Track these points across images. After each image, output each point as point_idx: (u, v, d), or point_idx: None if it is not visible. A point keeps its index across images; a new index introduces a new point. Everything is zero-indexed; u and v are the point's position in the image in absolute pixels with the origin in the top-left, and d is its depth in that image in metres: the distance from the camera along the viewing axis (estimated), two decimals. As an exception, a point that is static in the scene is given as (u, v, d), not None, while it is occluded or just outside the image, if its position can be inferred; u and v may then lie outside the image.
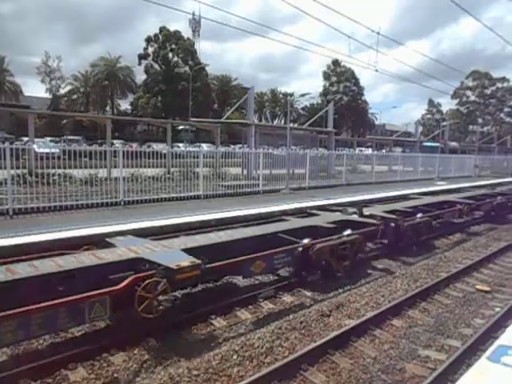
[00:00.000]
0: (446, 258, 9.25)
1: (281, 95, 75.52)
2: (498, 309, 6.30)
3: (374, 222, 8.84)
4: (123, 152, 10.60)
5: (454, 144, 45.85)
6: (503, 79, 72.31)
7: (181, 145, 28.18)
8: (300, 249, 6.92)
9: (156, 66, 52.52)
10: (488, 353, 2.46)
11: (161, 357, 4.67)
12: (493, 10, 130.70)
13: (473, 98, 74.82)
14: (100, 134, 35.09)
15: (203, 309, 5.89)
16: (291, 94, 67.08)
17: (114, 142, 22.90)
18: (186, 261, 5.07)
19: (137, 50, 53.70)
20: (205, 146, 26.06)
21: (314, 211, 10.05)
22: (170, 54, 52.15)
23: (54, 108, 50.48)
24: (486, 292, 7.14)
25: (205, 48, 62.33)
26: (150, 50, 52.57)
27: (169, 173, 13.27)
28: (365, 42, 18.81)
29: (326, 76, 67.53)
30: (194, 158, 13.72)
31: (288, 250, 6.74)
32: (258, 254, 6.16)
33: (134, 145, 23.82)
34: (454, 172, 26.80)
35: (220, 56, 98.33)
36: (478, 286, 7.39)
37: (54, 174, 10.38)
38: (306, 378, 4.33)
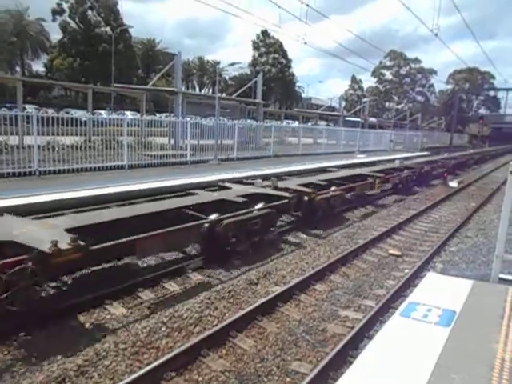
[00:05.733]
0: (364, 226, 9.95)
1: (208, 64, 73.68)
2: (406, 270, 6.96)
3: (287, 195, 8.58)
4: (38, 117, 9.73)
5: (372, 120, 48.60)
6: (416, 60, 77.56)
7: (103, 112, 26.44)
8: (207, 225, 6.51)
9: (73, 25, 47.94)
10: (400, 310, 2.71)
11: (85, 332, 4.50)
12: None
13: (390, 76, 79.50)
14: (9, 98, 31.54)
15: (129, 282, 5.74)
16: (218, 63, 65.76)
17: (26, 106, 20.77)
18: (65, 242, 4.43)
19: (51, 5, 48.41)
20: (129, 114, 24.80)
21: (226, 184, 9.66)
22: (90, 12, 47.83)
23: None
24: (398, 256, 7.84)
25: (126, 8, 58.29)
26: (66, 5, 47.72)
27: (90, 141, 12.43)
28: (292, 12, 18.83)
29: (256, 46, 66.91)
30: (117, 126, 12.98)
31: (192, 227, 6.28)
32: (154, 233, 5.61)
33: (50, 110, 21.87)
34: (372, 146, 28.61)
35: (142, 18, 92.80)
36: (390, 251, 8.08)
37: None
38: (235, 344, 4.46)
